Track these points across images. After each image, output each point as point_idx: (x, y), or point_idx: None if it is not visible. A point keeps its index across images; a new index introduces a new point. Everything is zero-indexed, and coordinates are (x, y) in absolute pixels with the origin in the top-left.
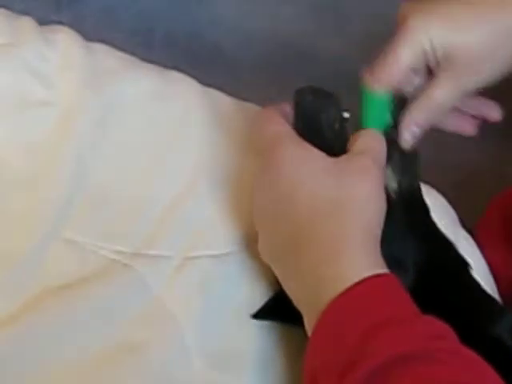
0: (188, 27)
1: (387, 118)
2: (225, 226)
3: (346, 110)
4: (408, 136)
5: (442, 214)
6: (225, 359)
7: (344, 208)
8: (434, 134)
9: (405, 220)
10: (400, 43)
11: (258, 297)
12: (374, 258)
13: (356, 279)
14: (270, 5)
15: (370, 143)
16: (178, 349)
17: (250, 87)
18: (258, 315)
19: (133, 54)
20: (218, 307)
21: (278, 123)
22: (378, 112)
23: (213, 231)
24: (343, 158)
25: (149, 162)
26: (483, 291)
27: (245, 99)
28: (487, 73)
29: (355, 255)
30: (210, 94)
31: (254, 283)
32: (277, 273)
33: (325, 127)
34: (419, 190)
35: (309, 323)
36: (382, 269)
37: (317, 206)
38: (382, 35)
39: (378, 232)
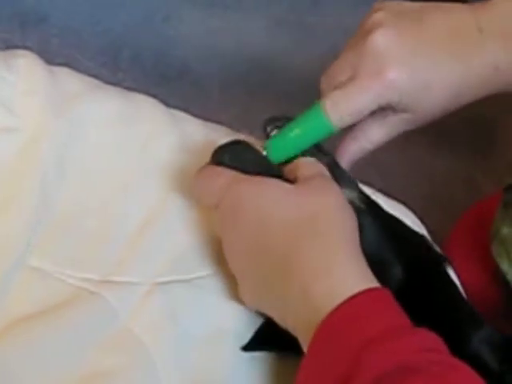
0: (154, 46)
1: (316, 140)
2: (194, 250)
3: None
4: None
5: None
6: None
7: (317, 225)
8: (403, 146)
9: (378, 227)
10: (369, 92)
11: (230, 322)
12: (363, 270)
13: (348, 294)
14: (236, 21)
15: (315, 168)
16: (149, 377)
17: (219, 104)
18: (248, 347)
19: (99, 74)
20: (188, 334)
21: (222, 172)
22: (315, 132)
23: (182, 256)
24: (299, 183)
25: (114, 187)
26: (460, 297)
27: (214, 117)
28: (441, 115)
29: (344, 270)
30: (176, 116)
31: (225, 308)
32: (267, 312)
33: (259, 169)
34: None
35: (304, 340)
36: (371, 282)
37: (291, 231)
38: None
39: (357, 240)
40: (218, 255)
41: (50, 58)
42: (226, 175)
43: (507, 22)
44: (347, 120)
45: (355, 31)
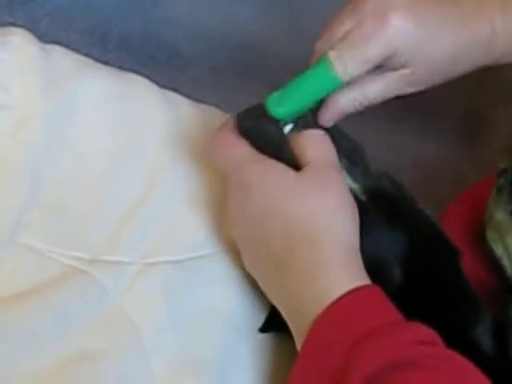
0: (143, 27)
1: (321, 95)
2: (185, 231)
3: (285, 125)
4: (331, 117)
5: None
6: (186, 366)
7: (315, 228)
8: (391, 134)
9: (381, 217)
10: (376, 40)
11: (220, 304)
12: (354, 271)
13: (336, 296)
14: (225, 4)
15: (321, 152)
16: (137, 355)
17: (208, 87)
18: (263, 329)
19: (87, 54)
20: (179, 313)
21: (238, 146)
22: (320, 86)
23: (173, 236)
24: (304, 173)
25: (106, 166)
26: (468, 287)
27: (202, 100)
28: (439, 80)
29: (334, 274)
30: (168, 96)
31: (216, 289)
32: (262, 287)
33: (272, 148)
34: (386, 177)
35: (298, 341)
36: (362, 281)
37: (289, 232)
38: None
39: (354, 241)
40: (209, 238)
41: (39, 37)
42: (240, 151)
43: None
44: (352, 71)
45: None
